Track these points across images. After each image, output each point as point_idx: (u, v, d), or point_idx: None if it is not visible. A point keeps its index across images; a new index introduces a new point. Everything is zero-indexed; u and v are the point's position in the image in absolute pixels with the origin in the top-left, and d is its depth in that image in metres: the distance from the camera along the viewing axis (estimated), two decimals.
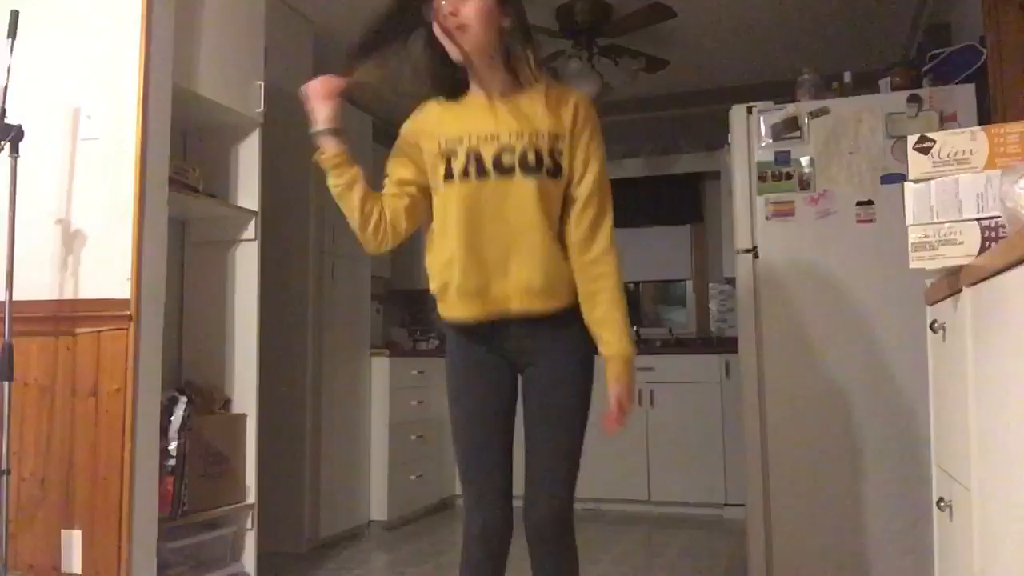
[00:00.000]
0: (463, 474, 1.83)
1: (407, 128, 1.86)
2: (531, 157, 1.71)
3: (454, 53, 1.72)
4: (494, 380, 1.81)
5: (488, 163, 1.72)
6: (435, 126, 1.79)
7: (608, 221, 1.79)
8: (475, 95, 1.79)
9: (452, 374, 1.86)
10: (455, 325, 1.82)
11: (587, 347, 1.81)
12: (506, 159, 1.71)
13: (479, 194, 1.72)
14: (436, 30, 1.72)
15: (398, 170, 1.86)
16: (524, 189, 1.71)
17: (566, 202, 1.78)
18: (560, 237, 1.78)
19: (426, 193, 1.84)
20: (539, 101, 1.76)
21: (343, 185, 1.79)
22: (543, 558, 1.78)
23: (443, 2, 1.69)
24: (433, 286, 1.83)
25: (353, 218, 1.81)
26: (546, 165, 1.72)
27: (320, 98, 1.80)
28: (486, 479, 1.78)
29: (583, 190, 1.77)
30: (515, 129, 1.73)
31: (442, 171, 1.75)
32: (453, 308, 1.79)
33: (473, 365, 1.82)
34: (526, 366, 1.81)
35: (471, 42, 1.70)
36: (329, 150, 1.78)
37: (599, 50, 4.32)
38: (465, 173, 1.72)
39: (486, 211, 1.72)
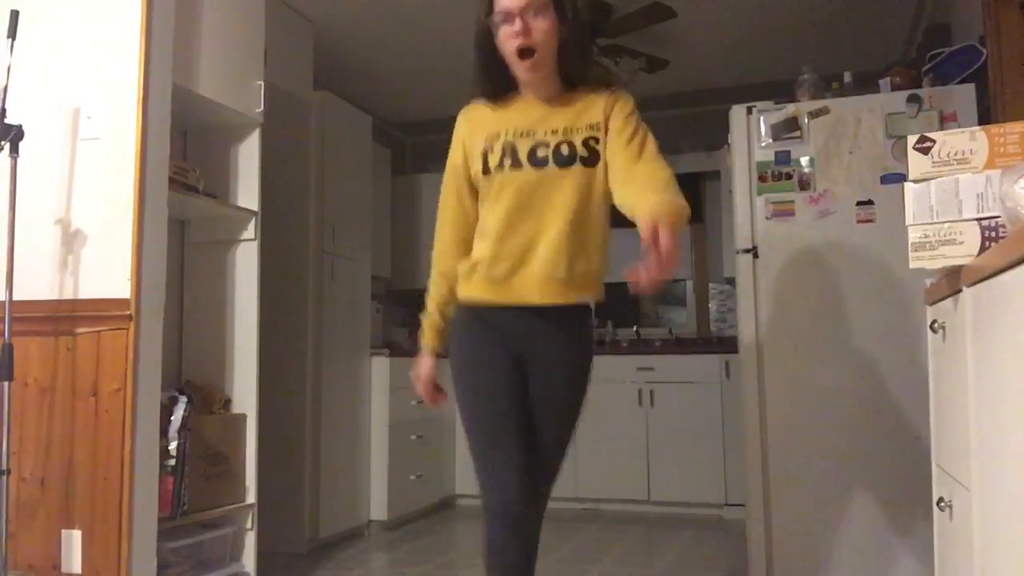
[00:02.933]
0: (478, 453, 1.80)
1: (458, 131, 1.92)
2: (565, 150, 1.76)
3: (520, 74, 1.78)
4: (503, 363, 1.81)
5: (523, 156, 1.77)
6: (479, 124, 1.86)
7: (653, 145, 1.78)
8: (521, 97, 1.85)
9: (460, 355, 1.87)
10: (471, 306, 1.85)
11: (591, 345, 1.92)
12: (540, 152, 1.77)
13: (513, 185, 1.77)
14: (504, 47, 1.76)
15: (459, 186, 1.91)
16: (557, 180, 1.76)
17: (609, 164, 1.78)
18: (599, 223, 1.80)
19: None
20: (580, 99, 1.81)
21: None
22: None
23: (515, 21, 1.72)
24: (461, 268, 1.87)
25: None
26: (579, 154, 1.76)
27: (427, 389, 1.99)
28: (502, 455, 1.76)
29: (625, 133, 1.77)
30: (551, 126, 1.79)
31: (480, 166, 1.82)
32: (474, 289, 1.83)
33: (483, 346, 1.83)
34: (532, 354, 1.83)
35: (539, 59, 1.76)
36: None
37: (599, 50, 4.32)
38: (500, 165, 1.78)
39: (519, 202, 1.77)
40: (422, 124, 5.96)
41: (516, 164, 1.77)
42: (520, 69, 1.77)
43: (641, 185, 1.68)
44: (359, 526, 4.25)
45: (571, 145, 1.76)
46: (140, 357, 2.47)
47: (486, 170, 1.80)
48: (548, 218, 1.76)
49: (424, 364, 1.95)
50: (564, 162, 1.76)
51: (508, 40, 1.75)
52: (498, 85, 1.84)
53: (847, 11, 4.11)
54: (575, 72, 1.81)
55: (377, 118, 4.99)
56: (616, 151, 1.77)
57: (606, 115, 1.79)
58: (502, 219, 1.78)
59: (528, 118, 1.81)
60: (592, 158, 1.77)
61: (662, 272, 1.42)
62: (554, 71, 1.81)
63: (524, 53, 1.74)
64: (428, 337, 1.95)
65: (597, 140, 1.77)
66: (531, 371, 1.84)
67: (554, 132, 1.78)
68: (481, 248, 1.82)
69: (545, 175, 1.76)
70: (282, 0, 3.83)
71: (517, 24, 1.72)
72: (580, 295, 1.81)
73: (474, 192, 1.88)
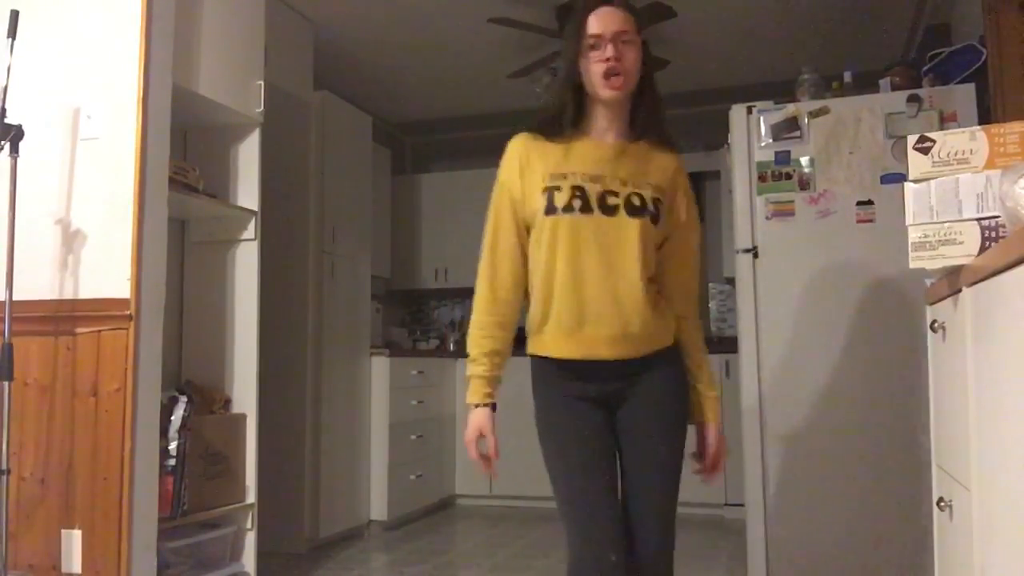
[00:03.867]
0: (567, 515, 1.68)
1: (514, 159, 1.78)
2: (636, 201, 1.70)
3: (603, 92, 1.71)
4: (590, 417, 1.72)
5: (593, 200, 1.68)
6: (541, 158, 1.74)
7: (696, 285, 1.84)
8: (584, 137, 1.77)
9: (544, 411, 1.75)
10: (550, 360, 1.74)
11: (685, 382, 1.79)
12: (611, 200, 1.69)
13: (582, 230, 1.68)
14: (592, 69, 1.71)
15: (519, 222, 1.77)
16: (628, 229, 1.68)
17: (668, 241, 1.77)
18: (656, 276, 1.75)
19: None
20: (645, 152, 1.76)
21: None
22: None
23: (607, 47, 1.69)
24: (529, 321, 1.76)
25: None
26: (650, 210, 1.70)
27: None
28: (591, 519, 1.65)
29: (685, 249, 1.80)
30: (619, 175, 1.71)
31: (544, 204, 1.70)
32: (547, 346, 1.73)
33: (568, 403, 1.73)
34: (621, 403, 1.74)
35: (626, 83, 1.71)
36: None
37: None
38: (569, 207, 1.68)
39: (588, 247, 1.68)
40: (422, 124, 5.96)
41: (587, 208, 1.67)
42: (603, 87, 1.70)
43: (697, 360, 1.81)
44: (359, 526, 4.25)
45: (641, 198, 1.70)
46: (140, 357, 2.47)
47: (551, 210, 1.68)
48: (619, 268, 1.67)
49: (481, 420, 1.72)
50: (634, 213, 1.69)
51: (597, 63, 1.70)
52: (568, 114, 1.75)
53: (847, 11, 4.11)
54: (646, 117, 1.76)
55: (377, 118, 4.99)
56: (679, 240, 1.78)
57: (673, 184, 1.78)
58: (569, 264, 1.68)
59: (596, 162, 1.73)
60: (657, 215, 1.71)
61: (721, 465, 1.84)
62: (627, 108, 1.76)
63: (613, 74, 1.69)
64: (482, 393, 1.73)
65: (661, 201, 1.73)
66: (622, 418, 1.74)
67: (624, 182, 1.71)
68: (544, 295, 1.71)
69: (615, 224, 1.68)
70: (282, 0, 3.83)
71: (609, 50, 1.68)
72: (657, 345, 1.73)
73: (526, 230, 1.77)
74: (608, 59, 1.68)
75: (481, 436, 1.71)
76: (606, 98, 1.72)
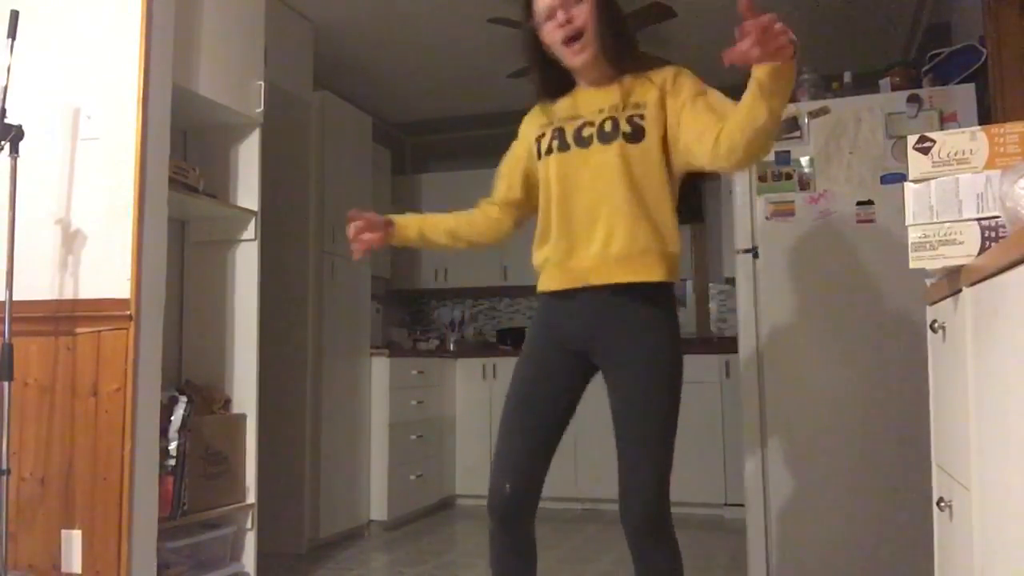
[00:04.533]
0: (496, 444, 1.88)
1: (521, 130, 1.99)
2: (608, 126, 1.78)
3: (570, 60, 1.81)
4: (553, 368, 1.84)
5: (569, 137, 1.81)
6: (535, 118, 1.93)
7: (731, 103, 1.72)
8: (576, 89, 1.89)
9: (525, 344, 1.91)
10: (544, 296, 1.88)
11: (675, 331, 1.80)
12: (586, 131, 1.80)
13: (563, 167, 1.81)
14: (551, 40, 1.81)
15: (506, 175, 2.00)
16: (603, 156, 1.77)
17: (682, 135, 1.74)
18: (657, 199, 1.77)
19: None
20: (630, 81, 1.82)
21: (413, 244, 2.04)
22: (640, 555, 1.75)
23: (558, 15, 1.77)
24: (535, 261, 1.90)
25: (447, 251, 1.96)
26: (622, 130, 1.76)
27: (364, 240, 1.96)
28: (509, 452, 1.82)
29: (703, 103, 1.74)
30: (597, 107, 1.82)
31: (535, 151, 1.88)
32: (545, 280, 1.87)
33: (542, 347, 1.86)
34: (603, 347, 1.78)
35: (587, 41, 1.78)
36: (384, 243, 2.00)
37: None
38: (549, 149, 1.83)
39: (571, 183, 1.80)
40: (422, 124, 5.96)
41: (564, 146, 1.81)
42: (569, 55, 1.80)
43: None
44: (359, 526, 4.25)
45: (614, 122, 1.78)
46: (140, 357, 2.47)
47: (539, 154, 1.86)
48: (599, 195, 1.77)
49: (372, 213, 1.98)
50: (606, 139, 1.77)
51: (554, 32, 1.80)
52: (554, 84, 1.90)
53: (847, 11, 4.11)
54: (618, 54, 1.81)
55: (377, 118, 4.99)
56: (697, 105, 1.73)
57: (660, 90, 1.78)
58: (556, 202, 1.81)
59: (576, 103, 1.86)
60: (636, 134, 1.76)
61: (766, 37, 1.45)
62: (600, 53, 1.81)
63: (571, 39, 1.78)
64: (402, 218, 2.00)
65: (643, 116, 1.77)
66: (603, 366, 1.81)
67: (600, 111, 1.80)
68: (541, 233, 1.87)
69: (590, 153, 1.79)
70: (282, 0, 3.83)
71: (560, 16, 1.77)
72: (646, 272, 1.75)
73: (528, 182, 1.94)
74: (561, 24, 1.77)
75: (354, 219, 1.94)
76: (578, 65, 1.81)
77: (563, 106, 1.89)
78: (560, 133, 1.83)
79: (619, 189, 1.75)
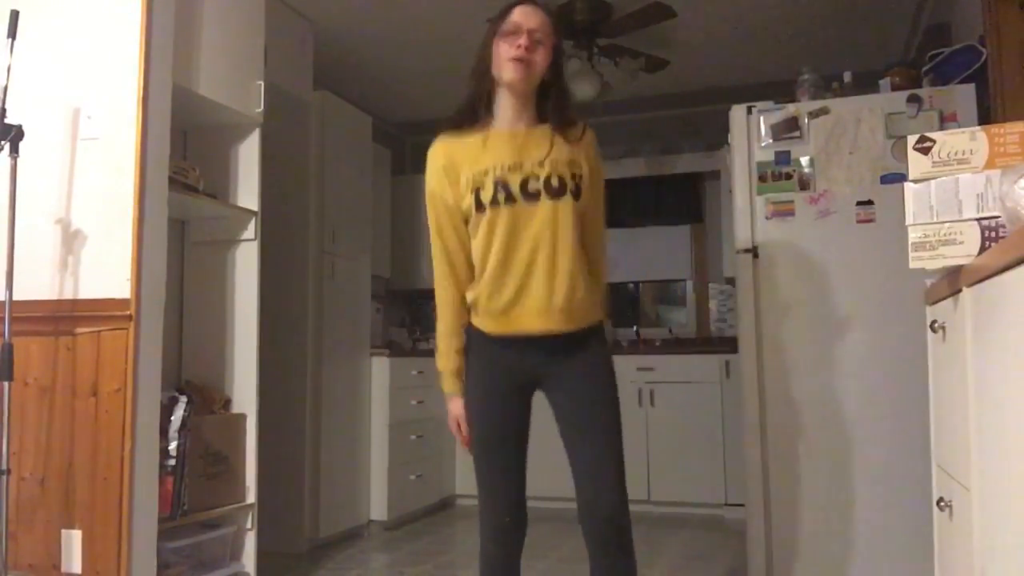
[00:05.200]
0: (479, 479, 1.92)
1: (438, 167, 1.91)
2: (555, 182, 1.82)
3: (509, 73, 1.83)
4: (511, 403, 1.90)
5: (515, 190, 1.82)
6: (462, 158, 1.88)
7: (603, 231, 2.00)
8: (496, 128, 1.89)
9: (471, 382, 1.94)
10: (482, 333, 1.91)
11: (608, 353, 1.93)
12: (532, 185, 1.82)
13: (507, 220, 1.82)
14: (503, 51, 1.83)
15: (457, 225, 1.92)
16: (550, 212, 1.81)
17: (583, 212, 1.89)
18: (584, 251, 1.88)
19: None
20: (556, 132, 1.88)
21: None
22: (605, 558, 1.83)
23: (522, 39, 1.82)
24: (468, 297, 1.92)
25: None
26: (569, 188, 1.83)
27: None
28: (500, 491, 1.90)
29: (596, 209, 1.94)
30: (536, 159, 1.84)
31: (472, 201, 1.84)
32: (486, 322, 1.90)
33: (496, 385, 1.91)
34: (548, 378, 1.88)
35: (531, 75, 1.84)
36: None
37: (599, 50, 4.32)
38: (494, 201, 1.82)
39: (513, 235, 1.82)
40: (422, 124, 5.95)
41: (510, 199, 1.82)
42: (510, 68, 1.82)
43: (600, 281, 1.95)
44: (359, 526, 4.25)
45: (561, 179, 1.83)
46: (140, 357, 2.47)
47: (479, 207, 1.83)
48: (544, 249, 1.81)
49: (459, 409, 1.96)
50: (555, 194, 1.82)
51: (508, 48, 1.83)
52: (478, 104, 1.90)
53: (847, 11, 4.11)
54: (553, 106, 1.89)
55: (377, 118, 4.99)
56: (593, 200, 1.92)
57: (587, 151, 1.91)
58: (499, 253, 1.83)
59: (512, 150, 1.85)
60: (578, 192, 1.85)
61: None
62: (533, 102, 1.89)
63: (520, 61, 1.82)
64: (456, 386, 1.96)
65: (581, 177, 1.86)
66: (549, 389, 1.89)
67: (540, 164, 1.83)
68: (480, 285, 1.87)
69: (537, 208, 1.82)
70: (282, 0, 3.82)
71: (524, 39, 1.81)
72: (587, 320, 1.88)
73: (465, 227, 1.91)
74: (520, 46, 1.81)
75: (459, 424, 1.95)
76: (508, 80, 1.84)
77: (495, 150, 1.86)
78: (505, 185, 1.82)
79: (563, 242, 1.82)
